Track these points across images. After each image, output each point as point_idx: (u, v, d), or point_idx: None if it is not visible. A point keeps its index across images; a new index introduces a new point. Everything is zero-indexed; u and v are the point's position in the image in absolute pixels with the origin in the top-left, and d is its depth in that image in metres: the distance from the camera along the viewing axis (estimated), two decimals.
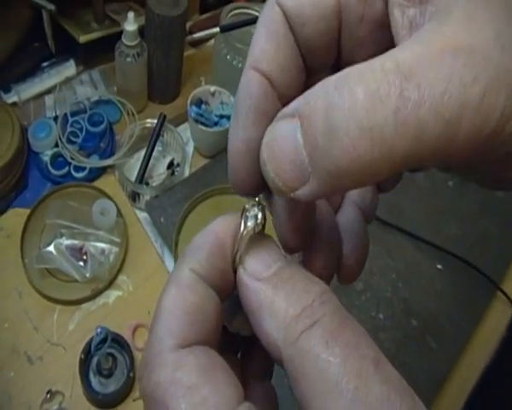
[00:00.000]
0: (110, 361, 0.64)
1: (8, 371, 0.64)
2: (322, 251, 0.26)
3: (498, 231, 0.88)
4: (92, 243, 0.73)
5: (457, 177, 0.23)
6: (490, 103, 0.16)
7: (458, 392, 0.74)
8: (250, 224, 0.22)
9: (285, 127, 0.19)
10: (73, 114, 0.82)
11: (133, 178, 0.81)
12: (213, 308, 0.21)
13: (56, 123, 0.80)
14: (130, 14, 0.78)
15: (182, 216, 0.77)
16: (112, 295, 0.72)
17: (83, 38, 0.84)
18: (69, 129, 0.80)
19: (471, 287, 0.82)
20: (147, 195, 0.80)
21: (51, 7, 0.77)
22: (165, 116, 0.84)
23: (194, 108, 0.85)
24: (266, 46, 0.22)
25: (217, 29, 0.87)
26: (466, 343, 0.77)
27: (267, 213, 0.23)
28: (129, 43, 0.80)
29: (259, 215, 0.22)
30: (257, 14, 0.92)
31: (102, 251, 0.73)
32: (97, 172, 0.81)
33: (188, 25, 0.99)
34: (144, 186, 0.81)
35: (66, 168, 0.79)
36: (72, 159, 0.79)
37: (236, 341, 0.26)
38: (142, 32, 0.83)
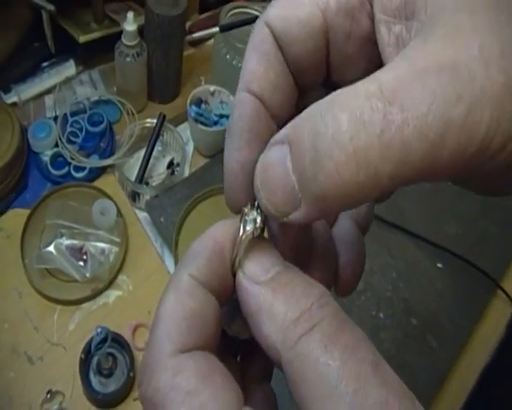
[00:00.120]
0: (110, 361, 0.64)
1: (9, 371, 0.64)
2: (319, 266, 0.26)
3: (498, 231, 0.89)
4: (92, 243, 0.73)
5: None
6: (475, 121, 0.16)
7: (459, 391, 0.74)
8: (249, 228, 0.22)
9: (276, 154, 0.19)
10: (73, 114, 0.82)
11: (133, 178, 0.81)
12: (212, 313, 0.21)
13: (56, 123, 0.80)
14: (130, 14, 0.78)
15: (182, 216, 0.77)
16: (112, 294, 0.72)
17: (82, 38, 0.84)
18: (69, 129, 0.80)
19: (471, 286, 0.82)
20: (147, 194, 0.80)
21: (51, 7, 0.77)
22: (164, 116, 0.84)
23: (193, 107, 0.85)
24: (257, 67, 0.22)
25: (216, 29, 0.87)
26: (466, 342, 0.78)
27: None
28: (128, 43, 0.80)
29: (258, 219, 0.22)
30: (256, 13, 0.92)
31: (102, 251, 0.73)
32: (97, 172, 0.81)
33: (187, 24, 0.99)
34: (144, 186, 0.81)
35: (66, 168, 0.79)
36: (72, 159, 0.79)
37: (236, 344, 0.26)
38: (141, 31, 0.83)
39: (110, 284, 0.72)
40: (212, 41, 0.94)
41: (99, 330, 0.63)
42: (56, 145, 0.80)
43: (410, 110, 0.16)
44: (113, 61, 0.84)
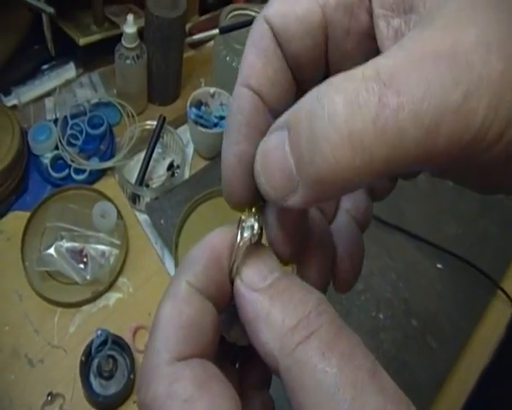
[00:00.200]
0: (111, 363, 0.64)
1: (9, 373, 0.64)
2: (316, 258, 0.26)
3: (498, 231, 0.89)
4: (92, 246, 0.73)
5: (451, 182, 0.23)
6: (471, 108, 0.16)
7: (458, 391, 0.74)
8: (246, 234, 0.22)
9: (276, 138, 0.19)
10: (73, 116, 0.82)
11: (133, 180, 0.81)
12: (210, 320, 0.21)
13: (56, 126, 0.80)
14: (130, 17, 0.78)
15: (182, 218, 0.77)
16: (112, 297, 0.72)
17: (82, 41, 0.84)
18: (69, 131, 0.80)
19: (471, 286, 0.82)
20: (147, 197, 0.80)
21: (51, 10, 0.77)
22: (164, 118, 0.84)
23: (193, 109, 0.85)
24: (255, 62, 0.22)
25: (216, 30, 0.87)
26: (466, 343, 0.78)
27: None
28: (128, 46, 0.81)
29: (256, 226, 0.22)
30: (256, 15, 0.91)
31: (103, 253, 0.73)
32: (97, 175, 0.81)
33: (187, 26, 0.99)
34: (144, 188, 0.81)
35: (67, 171, 0.79)
36: (73, 161, 0.79)
37: (234, 351, 0.26)
38: (141, 34, 0.83)
39: (110, 286, 0.72)
40: (211, 43, 0.95)
41: (99, 332, 0.63)
42: (56, 148, 0.80)
43: (405, 95, 0.16)
44: (113, 63, 0.84)
